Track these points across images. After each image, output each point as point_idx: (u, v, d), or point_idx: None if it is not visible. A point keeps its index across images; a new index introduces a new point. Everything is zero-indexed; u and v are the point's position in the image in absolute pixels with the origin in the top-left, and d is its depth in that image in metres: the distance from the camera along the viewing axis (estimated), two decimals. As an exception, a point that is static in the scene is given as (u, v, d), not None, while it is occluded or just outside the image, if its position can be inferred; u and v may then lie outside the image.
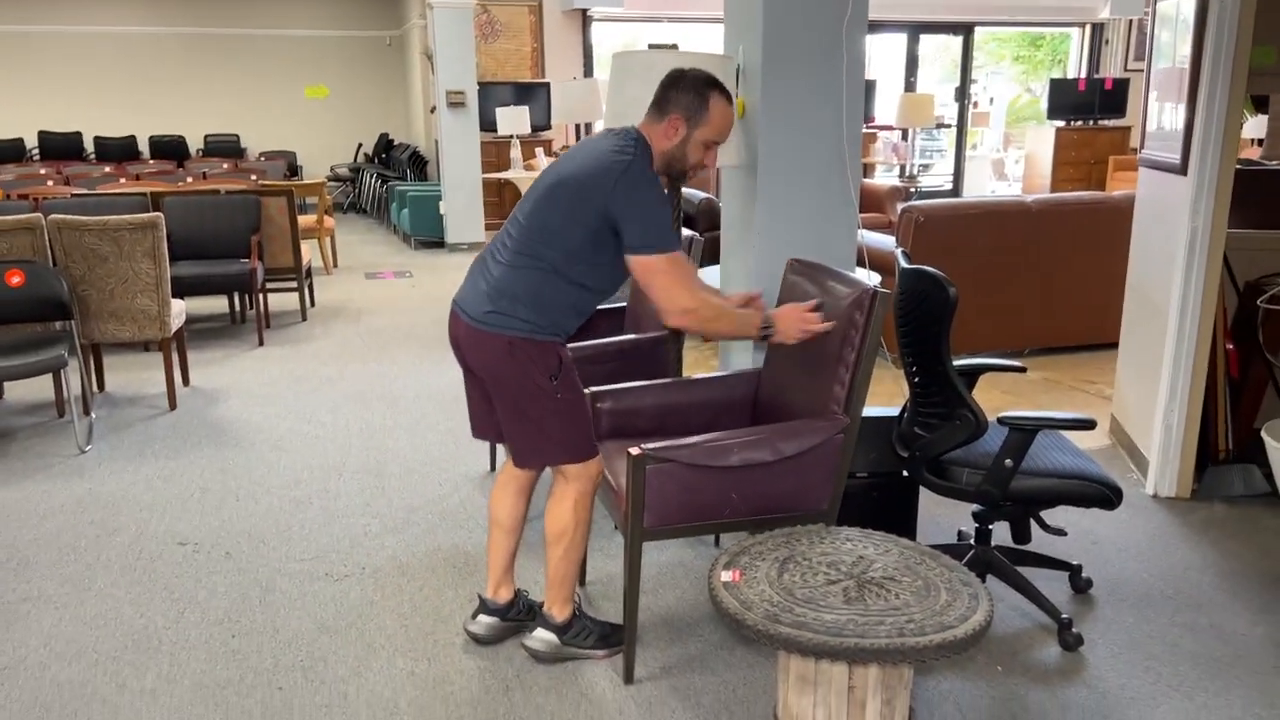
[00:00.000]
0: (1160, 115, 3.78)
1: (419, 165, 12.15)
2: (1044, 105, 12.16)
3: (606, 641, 2.61)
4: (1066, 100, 11.71)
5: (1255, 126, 7.42)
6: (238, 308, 6.82)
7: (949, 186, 13.20)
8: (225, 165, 10.61)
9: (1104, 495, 2.65)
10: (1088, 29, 12.80)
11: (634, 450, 2.35)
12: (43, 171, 9.75)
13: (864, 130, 3.37)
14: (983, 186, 13.53)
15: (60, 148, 12.79)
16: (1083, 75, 12.76)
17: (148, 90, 13.45)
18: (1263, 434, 3.38)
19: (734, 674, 2.56)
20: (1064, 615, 2.70)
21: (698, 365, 5.46)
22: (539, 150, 10.24)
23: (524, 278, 2.35)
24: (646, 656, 2.63)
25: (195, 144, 13.54)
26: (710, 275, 5.05)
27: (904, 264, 2.84)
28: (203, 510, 3.60)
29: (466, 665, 2.60)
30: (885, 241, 5.46)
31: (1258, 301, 3.67)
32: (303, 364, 5.60)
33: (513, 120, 9.72)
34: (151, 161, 12.20)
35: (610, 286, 2.45)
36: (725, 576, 2.13)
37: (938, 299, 2.59)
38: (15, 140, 12.62)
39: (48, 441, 4.34)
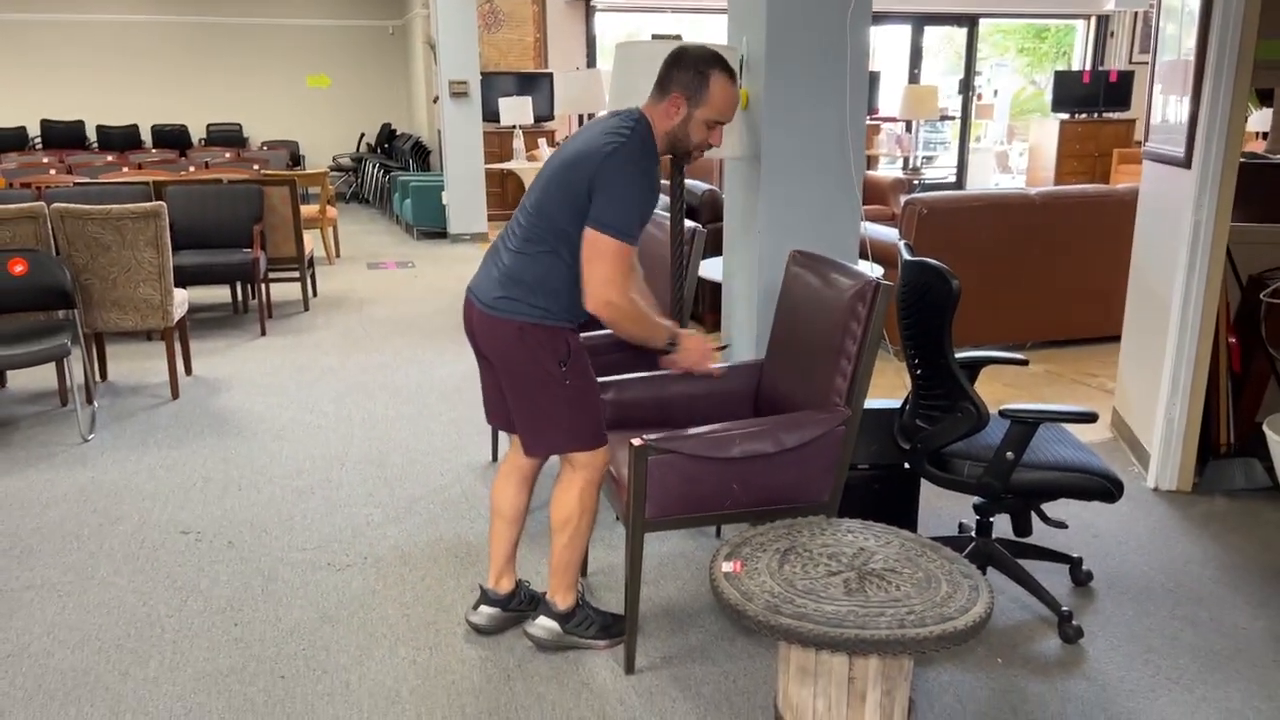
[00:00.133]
0: (1164, 108, 3.77)
1: (421, 155, 12.14)
2: (1048, 98, 12.13)
3: (608, 632, 2.62)
4: (1071, 93, 11.68)
5: (1260, 120, 7.41)
6: (240, 297, 6.83)
7: (952, 179, 13.18)
8: (227, 154, 10.60)
9: (1105, 488, 2.65)
10: (1093, 21, 12.76)
11: (636, 441, 2.35)
12: (45, 160, 9.75)
13: (867, 122, 3.36)
14: (986, 179, 13.50)
15: (63, 136, 12.78)
16: (1087, 68, 12.72)
17: (150, 79, 13.43)
18: (1264, 428, 3.38)
19: (734, 664, 2.56)
20: (1064, 608, 2.71)
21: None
22: (542, 141, 10.24)
23: (533, 264, 2.35)
24: (647, 646, 2.64)
25: (197, 133, 13.52)
26: (713, 267, 5.06)
27: (907, 256, 2.84)
28: (205, 499, 3.61)
29: (468, 654, 2.61)
30: (888, 234, 5.45)
31: (1260, 295, 3.67)
32: (305, 354, 5.60)
33: (515, 110, 9.71)
34: (154, 150, 12.19)
35: None
36: (726, 567, 2.14)
37: (940, 291, 2.59)
38: (18, 129, 12.61)
39: (51, 430, 4.35)
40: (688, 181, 5.93)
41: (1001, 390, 4.76)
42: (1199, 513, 3.48)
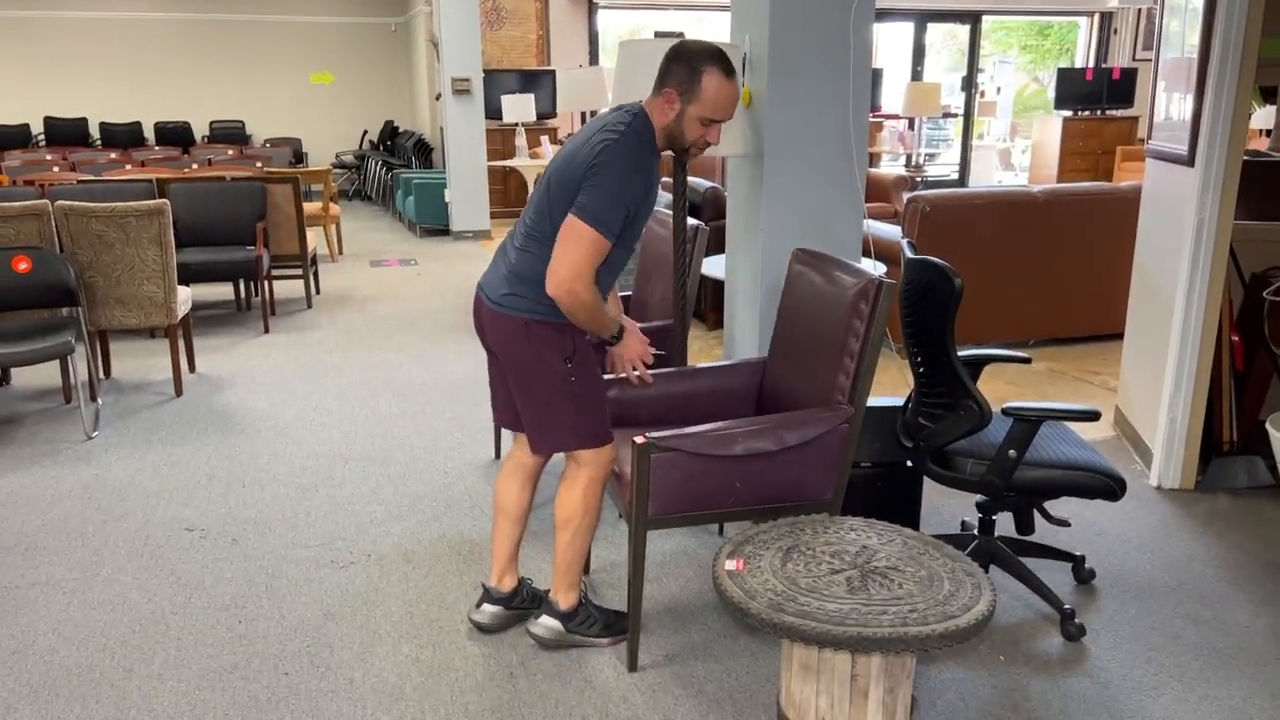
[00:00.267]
0: (1168, 106, 3.77)
1: (424, 152, 12.14)
2: (1051, 95, 12.12)
3: (611, 630, 2.63)
4: (1074, 90, 11.66)
5: (1263, 118, 7.39)
6: (243, 295, 6.83)
7: (955, 176, 13.17)
8: (230, 152, 10.60)
9: (1108, 486, 2.65)
10: (1096, 18, 12.74)
11: (639, 439, 2.36)
12: (49, 157, 9.76)
13: (870, 119, 3.36)
14: (989, 176, 13.49)
15: (66, 134, 12.79)
16: (1090, 65, 12.70)
17: (153, 76, 13.44)
18: (1267, 426, 3.38)
19: (737, 662, 2.57)
20: (1067, 606, 2.71)
21: (702, 354, 5.46)
22: (544, 138, 10.23)
23: (538, 261, 2.36)
24: (650, 644, 2.64)
25: (200, 130, 13.53)
26: (716, 264, 5.06)
27: (910, 254, 2.84)
28: (209, 497, 3.62)
29: (471, 651, 2.62)
30: (891, 231, 5.45)
31: (1264, 293, 3.67)
32: (308, 351, 5.61)
33: (518, 108, 9.71)
34: (157, 148, 12.20)
35: (621, 264, 2.46)
36: (729, 565, 2.14)
37: (943, 289, 2.59)
38: (21, 126, 12.62)
39: (55, 427, 4.36)
40: (690, 179, 5.93)
41: (1004, 388, 4.76)
42: (1202, 511, 3.48)
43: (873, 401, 3.00)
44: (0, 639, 2.69)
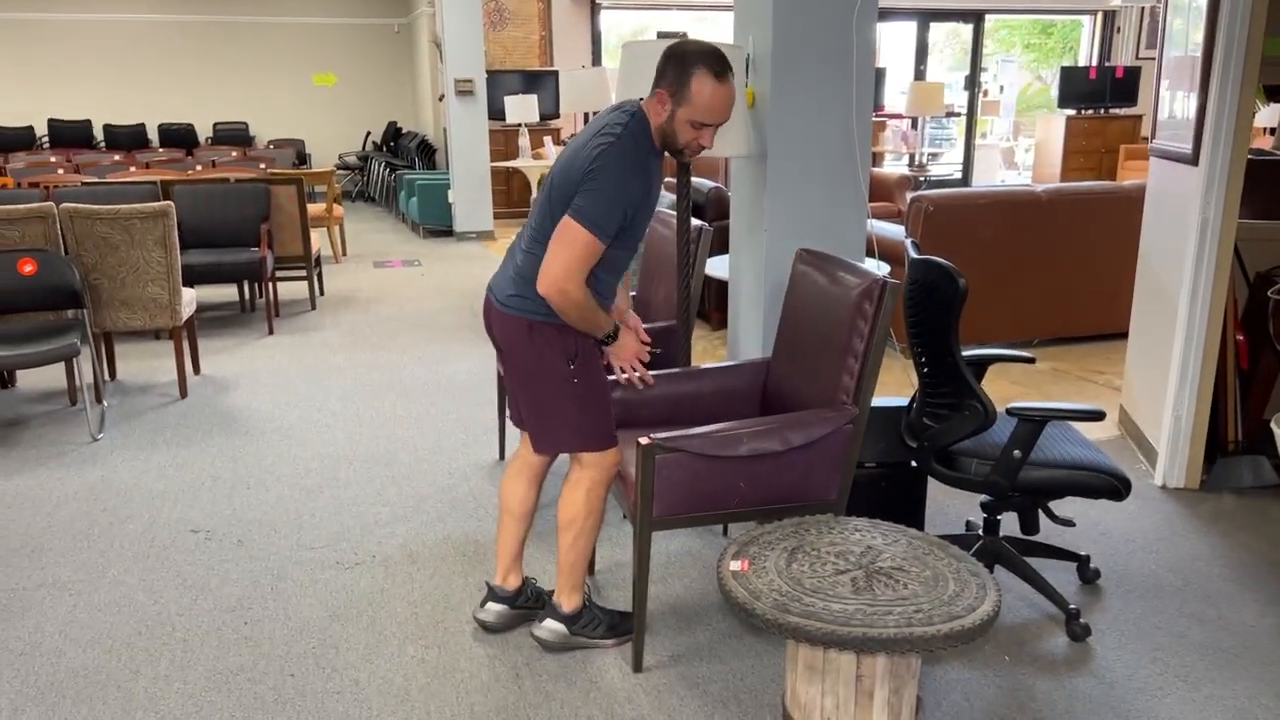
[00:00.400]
0: (1171, 104, 3.77)
1: (427, 153, 12.15)
2: (1054, 93, 12.10)
3: (615, 631, 2.63)
4: (1077, 89, 11.65)
5: (1267, 116, 7.38)
6: (247, 296, 6.84)
7: (958, 175, 13.16)
8: (234, 153, 10.62)
9: (1113, 486, 2.65)
10: (1099, 16, 12.72)
11: (643, 440, 2.36)
12: (53, 159, 9.78)
13: (873, 119, 3.36)
14: (992, 175, 13.47)
15: (70, 136, 12.81)
16: (1094, 63, 12.69)
17: (157, 78, 13.46)
18: (1272, 425, 3.37)
19: (742, 663, 2.57)
20: (1072, 606, 2.71)
21: (706, 355, 5.46)
22: (547, 139, 10.24)
23: (541, 263, 2.36)
24: (655, 645, 2.65)
25: (204, 132, 13.55)
26: (719, 265, 5.06)
27: (914, 254, 2.84)
28: (214, 498, 3.62)
29: (476, 652, 2.62)
30: (894, 231, 5.45)
31: (1268, 292, 3.66)
32: (312, 352, 5.62)
33: (521, 109, 9.72)
34: (160, 149, 12.22)
35: (621, 267, 2.46)
36: (734, 566, 2.14)
37: (947, 290, 2.59)
38: (25, 128, 12.65)
39: (60, 429, 4.37)
40: (694, 179, 5.93)
41: (1008, 388, 4.76)
42: (1207, 510, 3.47)
43: (877, 402, 2.99)
44: (7, 641, 2.70)
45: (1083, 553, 3.03)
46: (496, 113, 10.16)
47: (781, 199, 3.23)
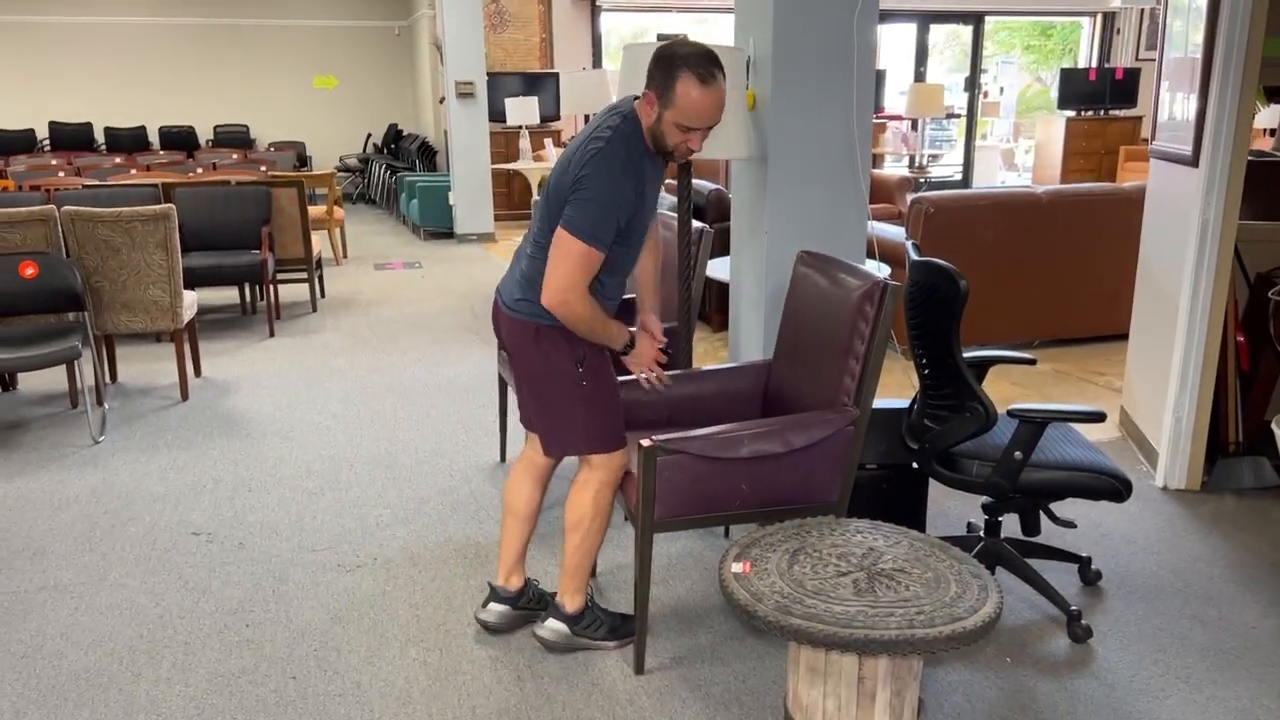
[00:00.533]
0: (1171, 106, 3.77)
1: (428, 156, 12.16)
2: (1054, 95, 12.11)
3: (617, 632, 2.63)
4: (1077, 90, 11.65)
5: (1267, 117, 7.38)
6: (248, 299, 6.85)
7: (958, 177, 13.16)
8: (235, 156, 10.63)
9: (1114, 487, 2.65)
10: (1099, 18, 12.73)
11: (645, 442, 2.36)
12: (54, 162, 9.79)
13: (873, 120, 3.36)
14: (992, 177, 13.47)
15: (71, 138, 12.82)
16: (1093, 65, 12.69)
17: (157, 81, 13.47)
18: (1273, 426, 3.37)
19: (744, 664, 2.57)
20: (1073, 607, 2.71)
21: (707, 356, 5.46)
22: (548, 141, 10.24)
23: (544, 267, 2.37)
24: (657, 647, 2.65)
25: (205, 134, 13.56)
26: (720, 267, 5.06)
27: (914, 256, 2.84)
28: (215, 501, 3.63)
29: (478, 655, 2.63)
30: (895, 232, 5.45)
31: (1269, 293, 3.66)
32: (313, 355, 5.62)
33: (521, 111, 9.72)
34: (161, 152, 12.22)
35: (626, 267, 2.46)
36: (736, 568, 2.14)
37: (948, 291, 2.59)
38: (26, 131, 12.66)
39: (62, 432, 4.38)
40: (695, 181, 5.94)
41: (1009, 389, 4.76)
42: (1208, 511, 3.47)
43: (878, 403, 3.00)
44: (9, 643, 2.70)
45: (1084, 554, 3.03)
46: (497, 115, 10.17)
47: (782, 201, 3.23)
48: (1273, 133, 7.49)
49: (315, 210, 8.21)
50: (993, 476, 2.69)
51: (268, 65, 13.84)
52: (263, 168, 9.13)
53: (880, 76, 12.10)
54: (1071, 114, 11.69)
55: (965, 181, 13.11)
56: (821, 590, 2.05)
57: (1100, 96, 11.64)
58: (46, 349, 4.10)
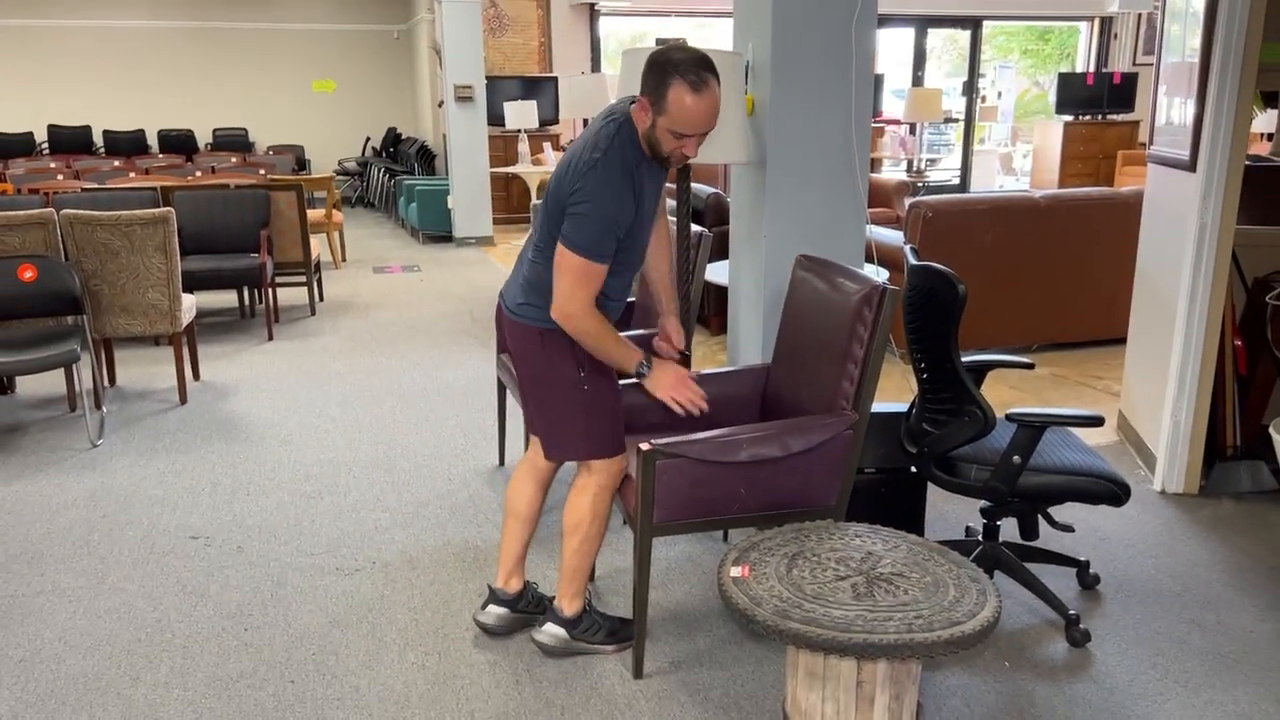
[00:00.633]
0: (1169, 110, 3.78)
1: (427, 159, 12.16)
2: (1052, 99, 12.13)
3: (616, 636, 2.63)
4: (1075, 94, 11.68)
5: (1265, 122, 7.40)
6: (247, 302, 6.85)
7: (956, 181, 13.18)
8: (233, 159, 10.63)
9: (1112, 492, 2.66)
10: (1096, 23, 12.76)
11: (644, 446, 2.36)
12: (52, 165, 9.78)
13: (871, 125, 3.36)
14: (990, 181, 13.49)
15: (69, 141, 12.82)
16: (1091, 69, 12.72)
17: (156, 84, 13.48)
18: (1271, 430, 3.38)
19: (743, 669, 2.57)
20: (1071, 611, 2.71)
21: (706, 360, 5.47)
22: (546, 145, 10.25)
23: (546, 272, 2.38)
24: (656, 651, 2.65)
25: (203, 138, 13.57)
26: (719, 271, 5.07)
27: (913, 260, 2.85)
28: (214, 504, 3.62)
29: (476, 659, 2.62)
30: (893, 236, 5.46)
31: (1266, 298, 3.67)
32: (312, 358, 5.62)
33: (520, 114, 9.73)
34: (160, 155, 12.23)
35: (631, 269, 2.46)
36: (734, 572, 2.15)
37: (947, 296, 2.59)
38: (25, 134, 12.66)
39: (60, 435, 4.37)
40: (693, 185, 5.94)
41: (1007, 393, 4.77)
42: (1206, 515, 3.48)
43: (877, 407, 3.00)
44: (7, 648, 2.70)
45: (1082, 558, 3.03)
46: (496, 118, 10.18)
47: (781, 205, 3.24)
48: (1270, 137, 7.51)
49: (314, 214, 8.21)
50: (991, 481, 2.69)
51: (267, 69, 13.85)
52: (261, 171, 9.13)
53: (878, 81, 12.12)
54: (1069, 118, 11.71)
55: (963, 186, 13.14)
56: (820, 594, 2.05)
57: (1098, 101, 11.67)
58: (45, 352, 4.10)
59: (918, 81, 12.64)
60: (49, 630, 2.79)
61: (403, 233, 10.79)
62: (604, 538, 2.61)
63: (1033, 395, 4.77)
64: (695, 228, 3.63)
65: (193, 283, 5.77)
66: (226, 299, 7.27)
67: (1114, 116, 11.75)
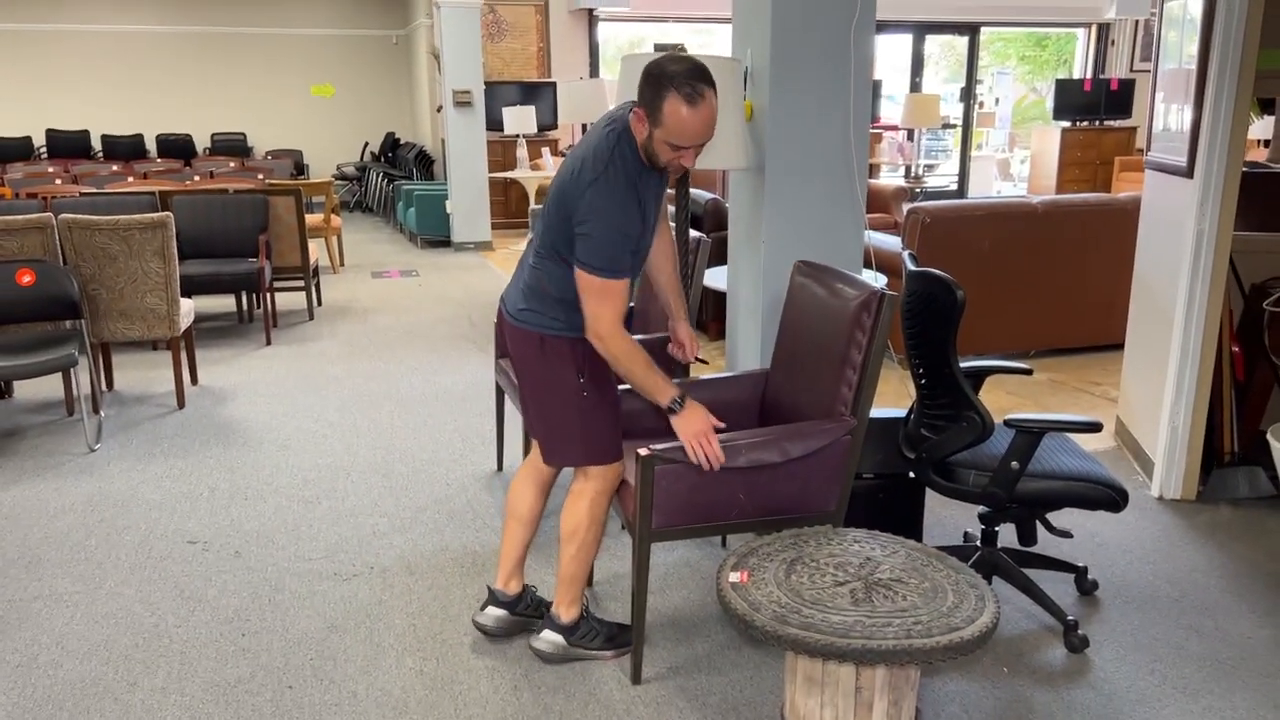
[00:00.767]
0: (1166, 116, 3.79)
1: (425, 164, 12.17)
2: (1049, 105, 12.16)
3: (614, 642, 2.63)
4: (1072, 101, 11.71)
5: (1262, 129, 7.42)
6: (245, 307, 6.85)
7: (954, 187, 13.20)
8: (232, 164, 10.64)
9: (1110, 497, 2.66)
10: (1093, 29, 12.79)
11: (643, 451, 2.36)
12: (51, 170, 9.78)
13: (869, 130, 3.37)
14: (988, 187, 13.52)
15: (68, 146, 12.83)
16: (1088, 76, 12.75)
17: (155, 89, 13.49)
18: (1268, 436, 3.39)
19: (741, 674, 2.57)
20: (1070, 617, 2.71)
21: (706, 366, 5.47)
22: (545, 150, 10.26)
23: (549, 276, 2.38)
24: (654, 657, 2.64)
25: (202, 142, 13.58)
26: (717, 276, 5.07)
27: (911, 266, 2.85)
28: (212, 509, 3.62)
29: (475, 665, 2.62)
30: (891, 242, 5.46)
31: (1263, 304, 3.68)
32: (310, 363, 5.62)
33: (519, 120, 9.75)
34: (159, 160, 12.23)
35: (633, 276, 2.46)
36: (733, 577, 2.15)
37: (945, 301, 2.60)
38: (23, 138, 12.66)
39: (57, 440, 4.37)
40: (692, 191, 5.95)
41: (1005, 399, 4.77)
42: (1203, 521, 3.48)
43: (875, 413, 3.00)
44: (4, 652, 2.69)
45: (1080, 564, 3.03)
46: (494, 123, 10.19)
47: (779, 210, 3.24)
48: (1267, 144, 7.53)
49: (312, 218, 8.21)
50: (989, 486, 2.69)
51: (265, 73, 13.87)
52: (260, 176, 9.13)
53: (876, 86, 12.15)
54: (1066, 124, 11.74)
55: (961, 191, 13.16)
56: (819, 600, 2.05)
57: (1095, 107, 11.70)
58: (43, 357, 4.10)
59: (915, 87, 12.67)
60: (46, 635, 2.78)
61: (401, 238, 10.80)
62: (601, 544, 2.61)
63: (1031, 401, 4.78)
64: (694, 233, 3.64)
65: (191, 287, 5.77)
66: (224, 304, 7.27)
67: (1111, 122, 11.79)
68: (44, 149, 12.87)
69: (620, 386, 2.66)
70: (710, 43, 12.46)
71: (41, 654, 2.69)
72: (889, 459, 3.05)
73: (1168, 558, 3.21)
